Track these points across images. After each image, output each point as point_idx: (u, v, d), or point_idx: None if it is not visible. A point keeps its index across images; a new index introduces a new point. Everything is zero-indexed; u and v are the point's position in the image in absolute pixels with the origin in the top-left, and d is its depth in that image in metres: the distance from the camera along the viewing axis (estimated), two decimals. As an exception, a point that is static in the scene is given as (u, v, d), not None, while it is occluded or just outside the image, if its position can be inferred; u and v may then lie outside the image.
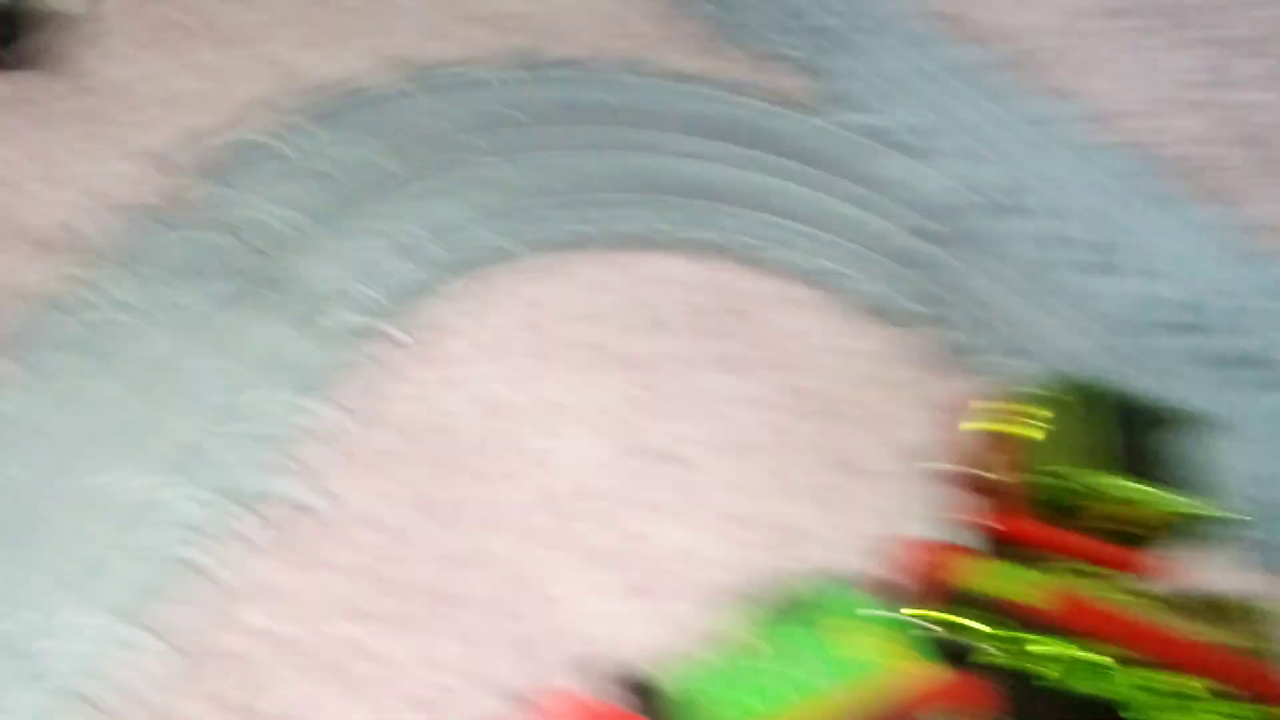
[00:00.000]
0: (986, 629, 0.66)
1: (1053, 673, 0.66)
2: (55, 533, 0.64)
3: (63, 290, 0.71)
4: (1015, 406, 0.76)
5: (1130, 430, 0.72)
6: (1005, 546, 0.70)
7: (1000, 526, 0.70)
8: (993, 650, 0.66)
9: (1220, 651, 0.67)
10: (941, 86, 0.93)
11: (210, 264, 0.73)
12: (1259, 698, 0.67)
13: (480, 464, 0.74)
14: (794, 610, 0.64)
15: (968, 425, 0.79)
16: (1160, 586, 0.67)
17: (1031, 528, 0.71)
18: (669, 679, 0.60)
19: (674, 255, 0.83)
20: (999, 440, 0.75)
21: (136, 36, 0.81)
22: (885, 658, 0.64)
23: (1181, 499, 0.70)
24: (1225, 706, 0.66)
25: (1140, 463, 0.71)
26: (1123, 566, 0.68)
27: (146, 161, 0.77)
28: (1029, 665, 0.66)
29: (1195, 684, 0.65)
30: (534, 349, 0.78)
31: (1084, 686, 0.67)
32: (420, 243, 0.77)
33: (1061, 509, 0.71)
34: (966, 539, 0.70)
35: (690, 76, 0.89)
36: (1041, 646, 0.67)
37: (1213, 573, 0.70)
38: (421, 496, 0.72)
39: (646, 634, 0.71)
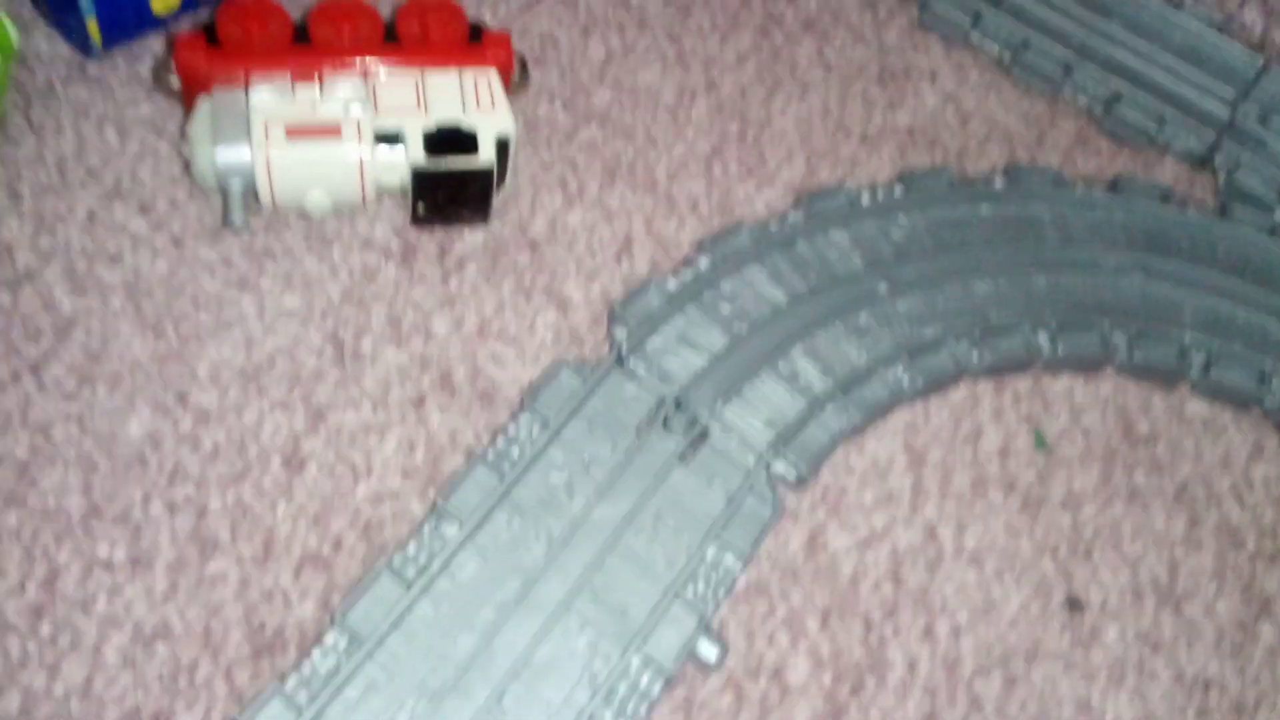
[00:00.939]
0: None
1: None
2: (494, 700, 0.63)
3: (489, 444, 0.70)
4: None
5: None
6: None
7: None
8: None
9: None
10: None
11: (622, 412, 0.71)
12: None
13: (873, 611, 0.71)
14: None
15: None
16: None
17: None
18: None
19: (1057, 376, 0.78)
20: None
21: (544, 183, 0.81)
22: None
23: None
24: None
25: None
26: None
27: (565, 310, 0.76)
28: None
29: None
30: (915, 478, 0.75)
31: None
32: (811, 378, 0.74)
33: None
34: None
35: (1075, 180, 0.86)
36: None
37: None
38: (821, 652, 0.69)
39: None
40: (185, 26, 0.80)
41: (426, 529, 0.68)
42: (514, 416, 0.72)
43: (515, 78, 0.81)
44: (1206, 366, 0.80)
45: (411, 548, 0.67)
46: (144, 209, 0.77)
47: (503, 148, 0.77)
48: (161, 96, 0.79)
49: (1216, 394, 0.80)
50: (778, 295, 0.78)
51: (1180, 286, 0.82)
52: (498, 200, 0.80)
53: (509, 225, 0.80)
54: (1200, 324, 0.81)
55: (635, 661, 0.66)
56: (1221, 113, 0.91)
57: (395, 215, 0.79)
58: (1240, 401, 0.80)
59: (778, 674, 0.69)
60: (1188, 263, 0.83)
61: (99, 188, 0.77)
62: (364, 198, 0.77)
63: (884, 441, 0.76)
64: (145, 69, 0.81)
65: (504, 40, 0.80)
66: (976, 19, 0.93)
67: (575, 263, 0.79)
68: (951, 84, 0.92)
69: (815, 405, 0.75)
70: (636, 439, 0.71)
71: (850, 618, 0.71)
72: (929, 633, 0.71)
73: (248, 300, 0.75)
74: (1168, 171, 0.90)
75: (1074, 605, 0.74)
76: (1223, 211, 0.87)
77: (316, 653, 0.64)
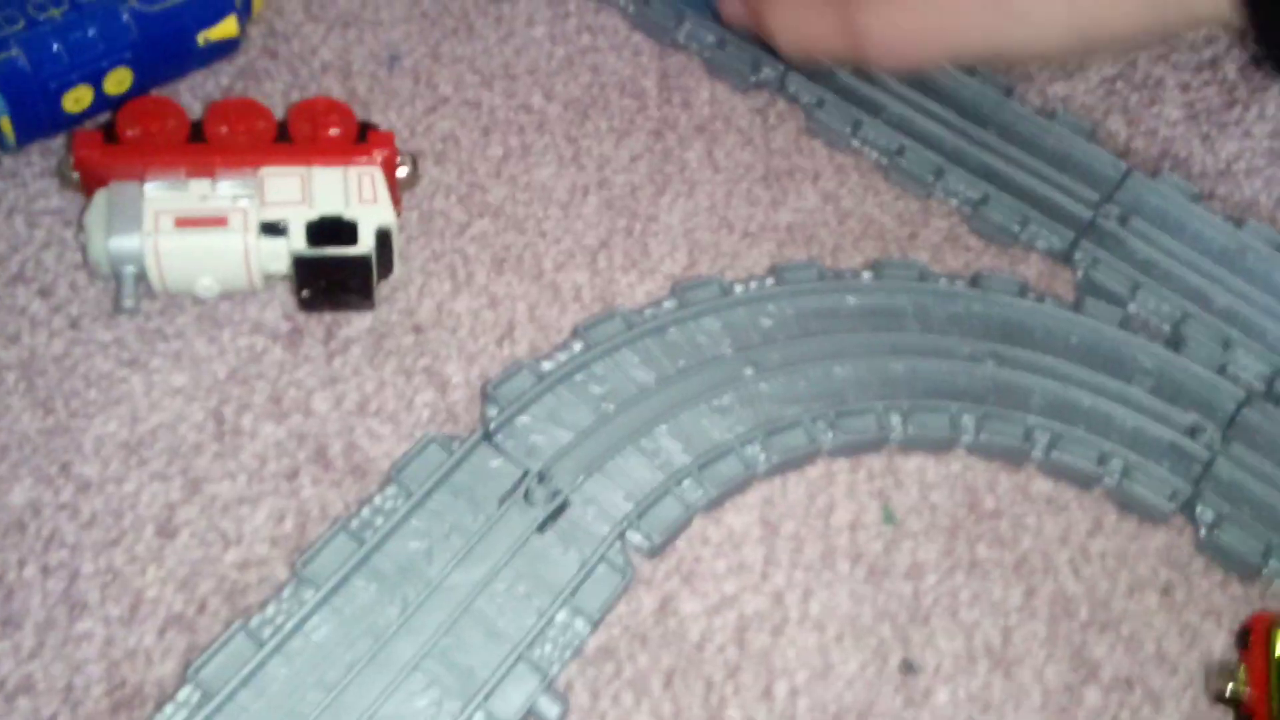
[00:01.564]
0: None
1: None
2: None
3: (353, 514, 0.71)
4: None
5: None
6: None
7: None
8: None
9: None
10: (1198, 271, 0.88)
11: (486, 484, 0.72)
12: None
13: (716, 673, 0.71)
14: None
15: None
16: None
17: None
18: None
19: (910, 454, 0.79)
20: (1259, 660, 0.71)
21: (434, 272, 0.82)
22: None
23: None
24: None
25: None
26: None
27: (444, 390, 0.77)
28: None
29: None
30: (768, 549, 0.75)
31: None
32: (673, 454, 0.75)
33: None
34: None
35: (939, 274, 0.87)
36: None
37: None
38: (662, 711, 0.70)
39: None
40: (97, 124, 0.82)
41: (286, 593, 0.68)
42: (380, 487, 0.73)
43: (405, 173, 0.83)
44: (1050, 447, 0.80)
45: (270, 610, 0.68)
46: (45, 293, 0.78)
47: (383, 238, 0.78)
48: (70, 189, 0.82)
49: (1060, 473, 0.80)
50: (647, 377, 0.79)
51: (1031, 373, 0.82)
52: (385, 287, 0.81)
53: (396, 310, 0.81)
54: (1047, 408, 0.81)
55: (477, 717, 0.66)
56: (1084, 214, 0.92)
57: (287, 300, 0.80)
58: (1082, 481, 0.80)
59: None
60: (1040, 351, 0.84)
61: (3, 274, 0.78)
62: (252, 284, 0.78)
63: (741, 515, 0.77)
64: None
65: (388, 139, 0.81)
66: (857, 126, 0.95)
67: (458, 346, 0.80)
68: (832, 185, 0.93)
69: (674, 480, 0.75)
70: (498, 509, 0.72)
71: (694, 679, 0.71)
72: (768, 693, 0.71)
73: (137, 379, 0.75)
74: (1031, 267, 0.90)
75: (909, 668, 0.74)
76: (1078, 305, 0.88)
77: (169, 707, 0.64)
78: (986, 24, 0.84)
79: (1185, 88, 1.01)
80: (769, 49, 0.94)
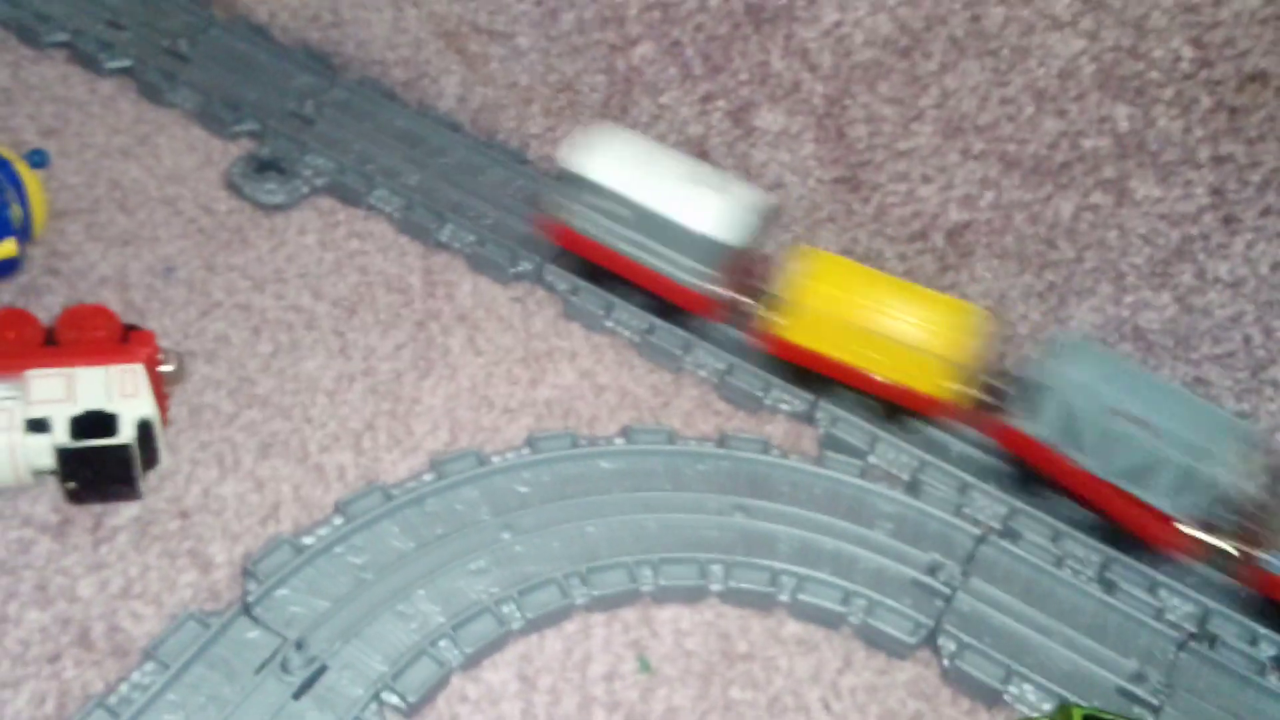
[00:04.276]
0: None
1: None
2: None
3: (113, 691, 0.68)
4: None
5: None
6: None
7: None
8: None
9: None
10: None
11: (244, 655, 0.69)
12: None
13: None
14: None
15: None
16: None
17: None
18: None
19: (663, 605, 0.77)
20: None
21: (201, 460, 0.80)
22: None
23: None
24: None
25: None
26: None
27: (207, 570, 0.74)
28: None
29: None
30: (525, 703, 0.72)
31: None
32: (430, 616, 0.73)
33: None
34: None
35: (688, 437, 0.86)
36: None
37: None
38: None
39: None
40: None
41: (40, 772, 0.65)
42: (140, 665, 0.69)
43: (171, 369, 0.81)
44: (796, 591, 0.78)
45: (24, 790, 0.64)
46: None
47: (144, 428, 0.75)
48: None
49: (808, 615, 0.78)
50: (406, 546, 0.76)
51: (777, 523, 0.81)
52: (154, 477, 0.78)
53: (163, 498, 0.77)
54: (793, 554, 0.79)
55: None
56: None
57: (56, 494, 0.76)
58: (829, 620, 0.78)
59: None
60: (785, 503, 0.82)
61: None
62: (20, 479, 0.75)
63: (498, 671, 0.73)
64: None
65: (149, 338, 0.79)
66: (610, 309, 0.95)
67: (222, 528, 0.77)
68: (589, 362, 0.91)
69: (429, 640, 0.72)
70: (254, 678, 0.68)
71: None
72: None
73: (-102, 578, 0.73)
74: (778, 427, 0.89)
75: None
76: (821, 459, 0.87)
77: None
78: None
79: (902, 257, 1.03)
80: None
